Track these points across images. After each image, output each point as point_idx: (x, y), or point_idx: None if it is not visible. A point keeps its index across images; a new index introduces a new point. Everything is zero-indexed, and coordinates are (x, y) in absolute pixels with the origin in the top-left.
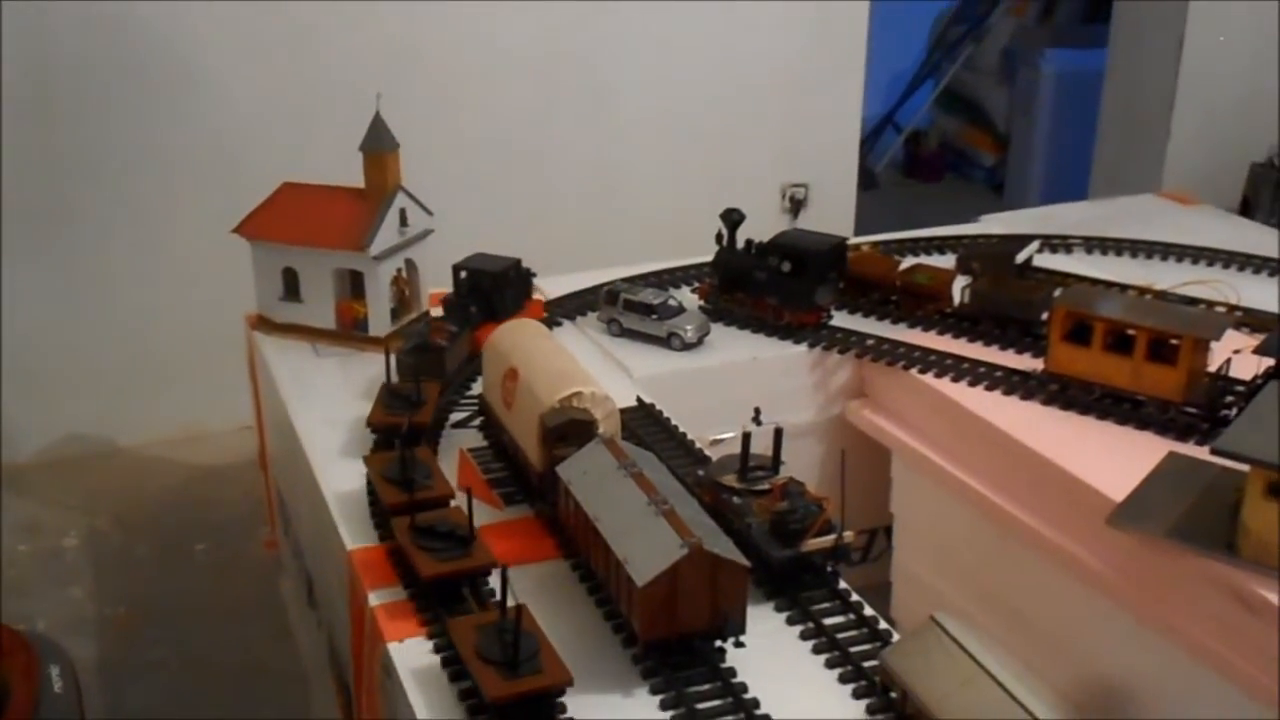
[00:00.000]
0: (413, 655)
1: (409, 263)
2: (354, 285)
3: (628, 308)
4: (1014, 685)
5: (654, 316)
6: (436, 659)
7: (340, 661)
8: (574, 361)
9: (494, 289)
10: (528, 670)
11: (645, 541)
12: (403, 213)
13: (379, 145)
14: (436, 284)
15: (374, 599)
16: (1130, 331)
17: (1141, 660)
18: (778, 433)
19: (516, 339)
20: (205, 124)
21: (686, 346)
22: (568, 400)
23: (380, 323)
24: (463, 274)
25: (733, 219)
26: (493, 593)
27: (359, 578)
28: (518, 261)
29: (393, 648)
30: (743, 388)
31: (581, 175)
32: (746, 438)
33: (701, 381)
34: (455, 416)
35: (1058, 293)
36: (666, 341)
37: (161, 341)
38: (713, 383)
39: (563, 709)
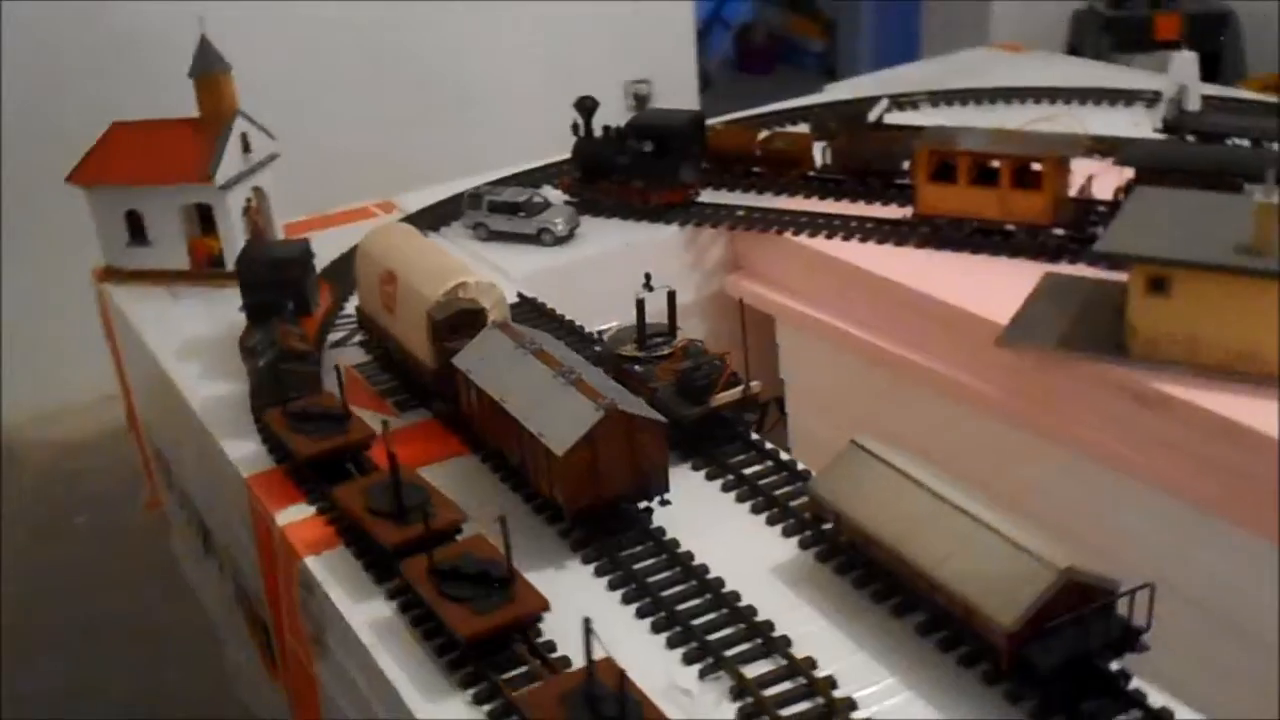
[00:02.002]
0: (334, 566)
1: (258, 191)
2: (203, 220)
3: (493, 209)
4: (945, 490)
5: (521, 214)
6: (359, 565)
7: (252, 598)
8: (451, 256)
9: (303, 276)
10: None
11: (559, 412)
12: (244, 138)
13: (210, 67)
14: (285, 213)
15: (280, 519)
16: (994, 163)
17: (1045, 472)
18: (671, 296)
19: (388, 241)
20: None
21: (558, 241)
22: (453, 292)
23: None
24: (252, 268)
25: (586, 106)
26: (552, 644)
27: (261, 502)
28: (307, 242)
29: (310, 562)
30: (620, 275)
31: (426, 89)
32: (641, 305)
33: (579, 274)
34: (333, 336)
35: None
36: (537, 238)
37: (8, 320)
38: (590, 274)
39: None
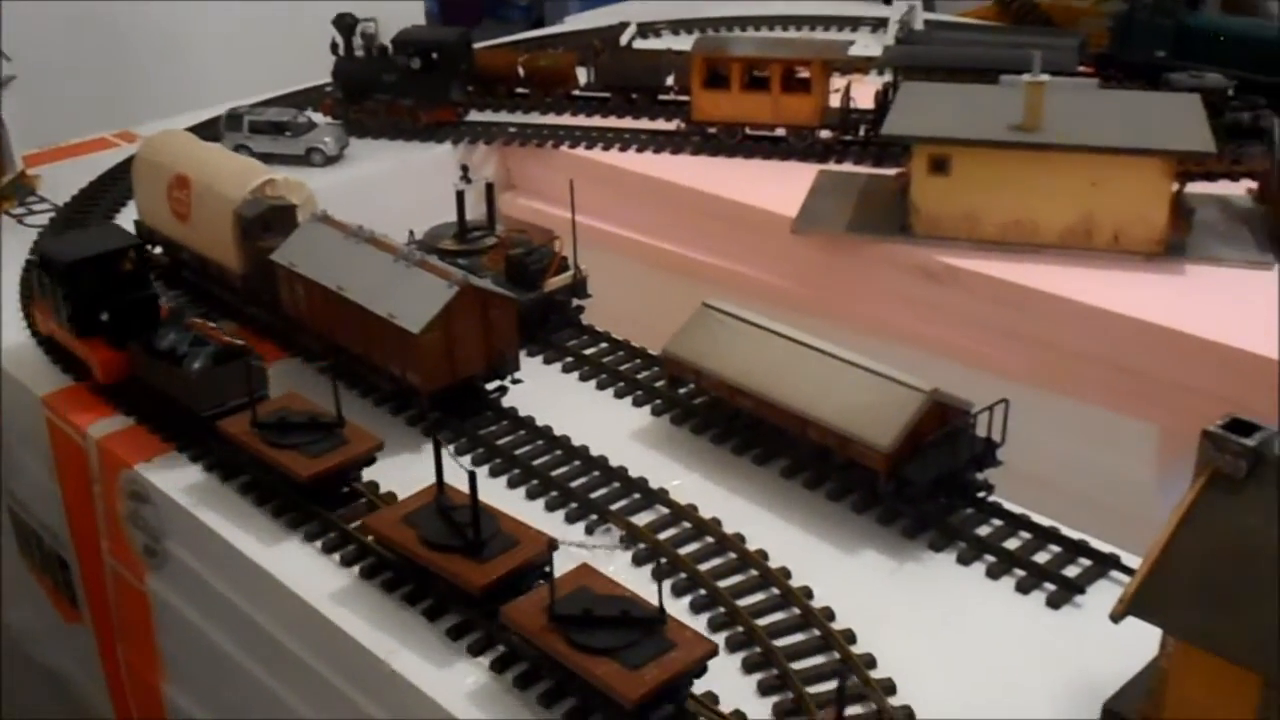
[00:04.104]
0: (172, 471)
1: None
2: None
3: (255, 130)
4: (803, 337)
5: (288, 134)
6: (197, 469)
7: (46, 535)
8: (247, 157)
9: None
10: None
11: (408, 293)
12: None
13: None
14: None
15: (95, 431)
16: (764, 72)
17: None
18: (489, 187)
19: (174, 148)
20: None
21: (329, 160)
22: (260, 190)
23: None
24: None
25: (346, 23)
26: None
27: (67, 419)
28: (121, 228)
29: (144, 469)
30: (396, 194)
31: (137, 31)
32: (461, 197)
33: (354, 193)
34: None
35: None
36: (306, 158)
37: None
38: (366, 193)
39: None
